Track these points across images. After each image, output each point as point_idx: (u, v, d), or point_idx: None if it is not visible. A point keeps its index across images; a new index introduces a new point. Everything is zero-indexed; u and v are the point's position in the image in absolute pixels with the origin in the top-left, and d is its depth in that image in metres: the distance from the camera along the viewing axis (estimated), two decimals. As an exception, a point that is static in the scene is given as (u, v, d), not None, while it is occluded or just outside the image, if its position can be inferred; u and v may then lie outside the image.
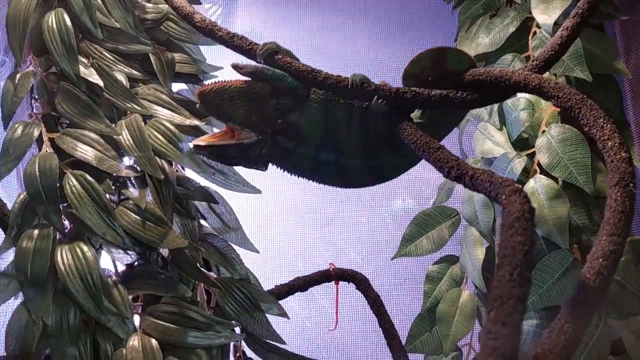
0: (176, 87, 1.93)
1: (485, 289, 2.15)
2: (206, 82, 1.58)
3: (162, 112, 1.81)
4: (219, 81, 1.50)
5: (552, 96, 1.33)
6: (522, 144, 2.16)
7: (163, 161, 1.76)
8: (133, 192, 1.66)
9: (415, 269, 2.57)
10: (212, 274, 1.80)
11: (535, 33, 2.25)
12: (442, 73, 1.50)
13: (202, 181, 1.79)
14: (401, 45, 2.90)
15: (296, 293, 2.22)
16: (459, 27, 2.60)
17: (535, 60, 1.55)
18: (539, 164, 2.04)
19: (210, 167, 1.80)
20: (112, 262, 1.74)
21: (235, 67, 1.50)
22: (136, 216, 1.63)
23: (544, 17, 2.12)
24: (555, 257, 1.90)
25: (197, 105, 1.48)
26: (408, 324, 2.37)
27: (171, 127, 1.76)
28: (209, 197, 1.73)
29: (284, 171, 1.58)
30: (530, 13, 2.24)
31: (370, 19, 2.92)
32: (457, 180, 1.24)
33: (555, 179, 1.97)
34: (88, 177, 1.58)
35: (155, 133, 1.74)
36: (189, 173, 1.84)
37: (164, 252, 1.69)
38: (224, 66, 2.13)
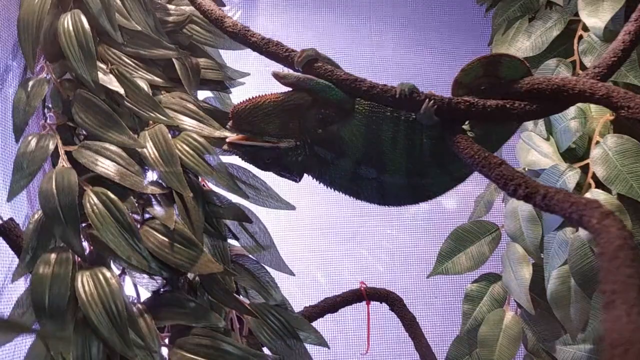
0: (201, 95, 1.80)
1: (532, 310, 2.00)
2: (237, 100, 1.46)
3: (189, 123, 1.66)
4: (251, 97, 1.40)
5: (621, 107, 1.24)
6: (570, 155, 2.02)
7: (191, 176, 1.61)
8: (159, 210, 1.50)
9: (452, 287, 2.42)
10: (246, 300, 1.63)
11: (581, 37, 2.10)
12: (495, 82, 1.41)
13: (232, 196, 1.61)
14: (430, 50, 2.76)
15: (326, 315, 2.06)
16: (493, 31, 2.46)
17: (597, 67, 1.42)
18: (593, 177, 1.89)
19: (241, 183, 1.63)
20: (134, 287, 1.58)
21: (277, 76, 1.40)
22: (163, 237, 1.48)
23: (594, 20, 1.98)
24: None
25: (228, 125, 1.37)
26: (445, 347, 2.23)
27: (200, 139, 1.60)
28: (242, 216, 1.57)
29: (319, 182, 1.48)
30: (575, 15, 2.12)
31: (397, 24, 2.80)
32: (526, 200, 1.15)
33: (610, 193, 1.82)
34: (110, 194, 1.43)
35: (183, 146, 1.57)
36: (217, 186, 1.68)
37: (191, 276, 1.53)
38: (250, 72, 1.99)
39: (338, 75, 1.41)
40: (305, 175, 1.49)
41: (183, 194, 1.50)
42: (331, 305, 2.09)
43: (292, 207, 1.71)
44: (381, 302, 2.18)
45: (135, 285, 1.58)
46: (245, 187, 1.69)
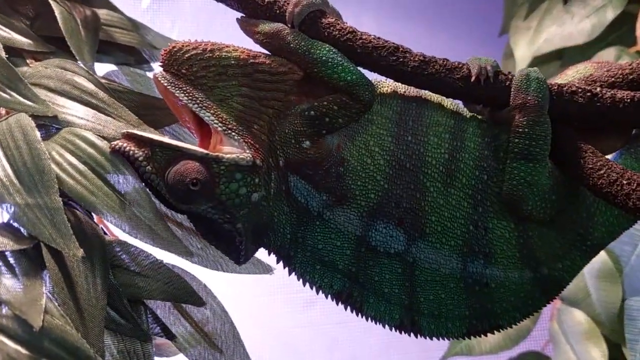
0: (102, 68, 1.25)
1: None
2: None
3: (78, 112, 1.01)
4: (209, 41, 0.91)
5: None
6: None
7: (79, 214, 0.98)
8: (13, 287, 0.86)
9: None
10: None
11: None
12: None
13: (164, 252, 0.96)
14: (437, 38, 2.26)
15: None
16: (506, 17, 1.96)
17: None
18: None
19: (178, 228, 0.89)
20: None
21: (245, 25, 0.94)
22: (18, 347, 0.82)
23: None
24: None
25: (158, 76, 0.88)
26: None
27: (99, 141, 0.96)
28: (184, 293, 0.88)
29: (284, 265, 0.94)
30: (632, -5, 1.66)
31: (405, 12, 2.30)
32: None
33: None
34: None
35: (66, 155, 0.95)
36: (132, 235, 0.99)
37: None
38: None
39: (364, 40, 0.92)
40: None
41: (63, 251, 0.90)
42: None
43: (269, 270, 1.10)
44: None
45: None
46: (185, 236, 1.01)
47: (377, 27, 2.31)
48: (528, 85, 0.90)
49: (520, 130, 0.90)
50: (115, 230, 1.11)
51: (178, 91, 0.87)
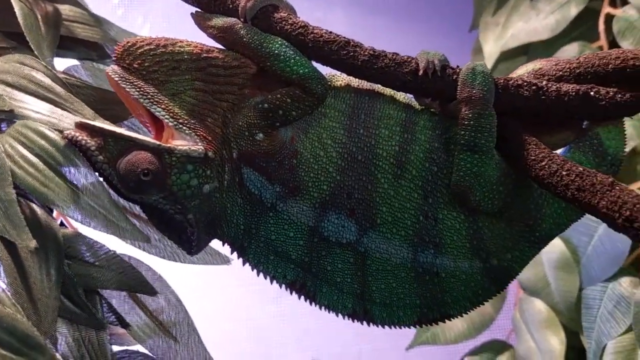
0: (62, 63, 1.24)
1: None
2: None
3: (35, 106, 1.03)
4: (159, 37, 0.90)
5: None
6: None
7: (35, 207, 1.00)
8: None
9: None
10: None
11: (609, 15, 1.62)
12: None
13: (120, 243, 1.00)
14: (408, 33, 2.23)
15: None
16: (476, 12, 1.96)
17: None
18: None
19: (135, 218, 0.90)
20: None
21: (199, 17, 0.93)
22: None
23: (637, -10, 1.50)
24: None
25: (109, 71, 0.86)
26: None
27: (53, 135, 0.99)
28: (137, 283, 0.87)
29: (238, 255, 0.92)
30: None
31: (376, 6, 2.26)
32: None
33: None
34: None
35: (20, 148, 0.97)
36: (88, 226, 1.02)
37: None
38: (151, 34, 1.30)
39: (316, 34, 0.92)
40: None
41: (17, 242, 0.92)
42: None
43: (227, 261, 1.12)
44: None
45: None
46: (142, 226, 1.04)
47: (347, 21, 2.29)
48: (473, 79, 0.90)
49: (466, 122, 0.90)
50: (77, 224, 1.13)
51: (129, 86, 0.86)
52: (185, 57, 0.88)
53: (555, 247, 1.50)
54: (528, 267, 1.53)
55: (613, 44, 1.60)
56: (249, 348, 1.99)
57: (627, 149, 1.42)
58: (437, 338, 1.63)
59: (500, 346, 1.66)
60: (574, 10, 1.66)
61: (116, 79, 0.86)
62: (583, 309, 1.45)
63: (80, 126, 0.85)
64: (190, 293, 1.89)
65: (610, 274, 1.39)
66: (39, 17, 1.16)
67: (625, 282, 1.38)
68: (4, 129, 1.02)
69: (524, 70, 1.08)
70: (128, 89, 0.86)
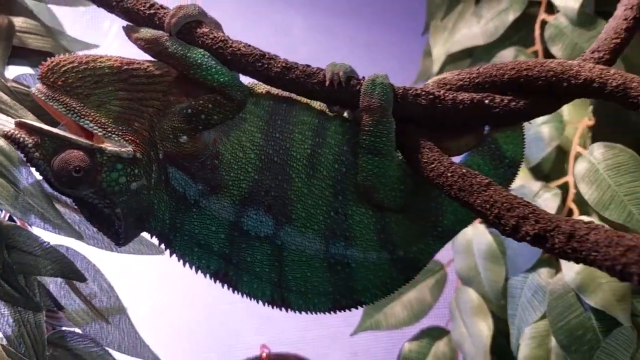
0: (17, 71, 1.31)
1: (495, 380, 1.52)
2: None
3: None
4: (80, 55, 0.96)
5: None
6: (539, 171, 1.57)
7: None
8: None
9: (384, 347, 1.97)
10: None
11: (544, 21, 1.71)
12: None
13: (57, 236, 1.10)
14: (368, 34, 2.28)
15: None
16: (428, 16, 2.03)
17: (597, 50, 1.06)
18: (575, 200, 1.43)
19: (70, 212, 0.99)
20: None
21: (128, 31, 0.98)
22: None
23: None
24: (618, 339, 1.28)
25: (34, 91, 0.91)
26: None
27: (0, 142, 1.09)
28: (68, 270, 0.93)
29: (165, 247, 1.00)
30: (532, -3, 1.76)
31: (336, 7, 2.32)
32: (536, 243, 0.82)
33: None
34: None
35: None
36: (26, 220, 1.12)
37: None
38: (100, 44, 1.38)
39: (234, 48, 0.99)
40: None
41: None
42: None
43: (160, 252, 1.16)
44: (290, 372, 1.62)
45: None
46: (82, 221, 1.11)
47: (306, 25, 2.35)
48: (373, 90, 0.98)
49: (367, 128, 0.98)
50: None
51: (56, 103, 0.92)
52: (107, 70, 0.94)
53: (484, 239, 1.58)
54: (462, 258, 1.65)
55: (547, 49, 1.68)
56: (208, 334, 2.07)
57: (549, 149, 1.53)
58: (380, 324, 1.72)
59: (438, 332, 1.74)
60: (511, 17, 1.73)
61: (42, 98, 0.92)
62: (508, 297, 1.52)
63: (20, 125, 0.91)
64: (149, 282, 1.97)
65: (530, 265, 1.48)
66: (-8, 28, 1.24)
67: (543, 272, 1.46)
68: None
69: (432, 80, 1.17)
70: (55, 107, 0.92)
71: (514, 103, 1.02)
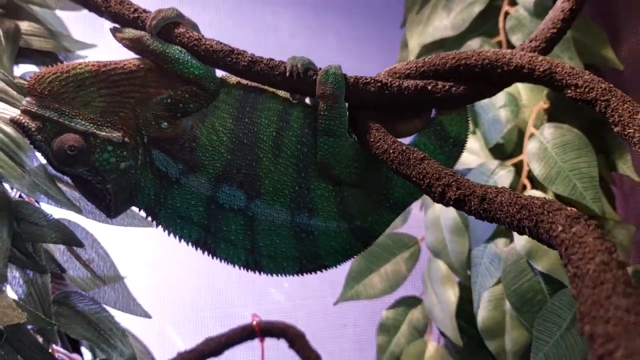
0: (23, 69, 1.44)
1: (460, 340, 1.65)
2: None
3: None
4: (61, 64, 1.06)
5: (567, 85, 1.00)
6: (499, 150, 1.69)
7: None
8: None
9: (364, 315, 2.07)
10: (77, 357, 1.14)
11: (507, 13, 1.80)
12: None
13: (60, 210, 1.24)
14: (336, 34, 2.37)
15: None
16: (406, 10, 2.13)
17: (534, 40, 1.16)
18: (529, 177, 1.56)
19: (70, 189, 1.15)
20: None
21: (115, 31, 1.09)
22: None
23: (524, -8, 1.69)
24: (562, 300, 1.41)
25: (24, 103, 1.01)
26: (356, 388, 1.89)
27: (6, 128, 1.14)
28: (70, 238, 1.09)
29: (152, 220, 1.13)
30: (499, -10, 1.84)
31: (303, 5, 2.41)
32: (458, 206, 0.94)
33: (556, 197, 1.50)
34: None
35: None
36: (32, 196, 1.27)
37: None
38: (99, 44, 1.52)
39: (208, 44, 1.10)
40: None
41: None
42: (214, 348, 1.65)
43: (149, 224, 1.23)
44: (279, 339, 1.81)
45: None
46: (82, 197, 1.21)
47: (295, 23, 2.45)
48: (326, 79, 1.08)
49: (322, 113, 1.09)
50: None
51: (47, 111, 1.00)
52: (87, 75, 1.03)
53: (450, 213, 1.71)
54: (432, 232, 1.79)
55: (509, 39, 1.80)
56: (207, 303, 2.21)
57: (506, 131, 1.65)
58: (360, 294, 1.84)
59: (413, 301, 1.87)
60: (477, 9, 1.84)
61: (34, 109, 1.01)
62: (472, 266, 1.66)
63: (25, 112, 1.01)
64: (153, 255, 2.11)
65: (488, 236, 1.61)
66: (1, 33, 1.36)
67: (499, 242, 1.58)
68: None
69: (385, 71, 1.29)
70: (48, 114, 1.01)
71: (454, 88, 1.12)
